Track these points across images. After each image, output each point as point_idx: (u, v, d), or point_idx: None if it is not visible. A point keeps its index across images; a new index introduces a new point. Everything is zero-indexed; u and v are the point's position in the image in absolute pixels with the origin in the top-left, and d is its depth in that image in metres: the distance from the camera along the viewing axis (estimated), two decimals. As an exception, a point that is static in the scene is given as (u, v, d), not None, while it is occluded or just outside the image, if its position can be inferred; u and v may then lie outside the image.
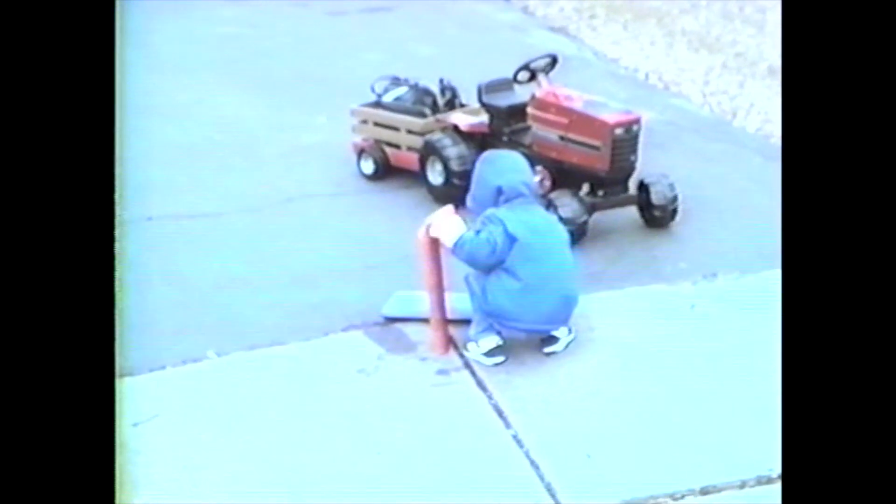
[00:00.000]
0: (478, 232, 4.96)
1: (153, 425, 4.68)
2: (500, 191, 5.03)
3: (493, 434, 4.56)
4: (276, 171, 7.01)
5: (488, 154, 5.40)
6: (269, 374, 5.04)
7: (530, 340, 5.08)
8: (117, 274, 5.98)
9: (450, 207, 5.22)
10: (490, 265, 4.96)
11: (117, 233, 6.51)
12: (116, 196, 6.94)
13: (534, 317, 4.98)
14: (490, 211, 5.04)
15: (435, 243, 5.09)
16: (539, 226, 5.05)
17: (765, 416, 4.33)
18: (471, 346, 5.14)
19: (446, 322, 5.23)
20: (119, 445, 4.49)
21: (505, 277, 4.96)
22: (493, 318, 5.04)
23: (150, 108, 8.79)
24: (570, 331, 5.20)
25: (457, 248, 4.98)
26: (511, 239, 4.90)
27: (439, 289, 5.18)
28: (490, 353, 5.08)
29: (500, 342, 5.09)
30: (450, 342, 5.24)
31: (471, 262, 5.01)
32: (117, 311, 5.54)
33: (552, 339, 5.15)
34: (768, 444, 4.08)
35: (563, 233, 5.22)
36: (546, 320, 5.05)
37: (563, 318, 5.11)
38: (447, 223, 5.07)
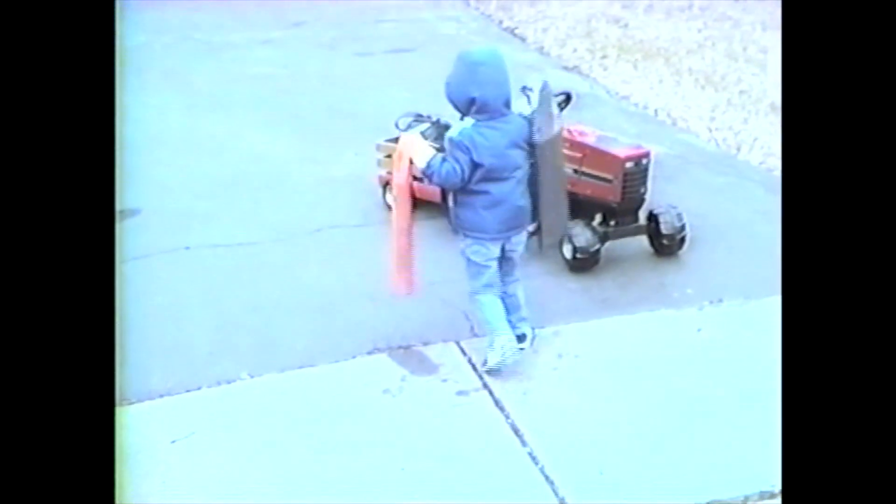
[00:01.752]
0: (444, 160, 4.99)
1: (189, 442, 4.69)
2: (473, 101, 5.00)
3: (510, 452, 4.57)
4: (307, 203, 7.03)
5: (471, 56, 5.20)
6: (298, 395, 5.06)
7: (543, 361, 5.08)
8: (157, 299, 6.04)
9: (418, 135, 5.31)
10: (459, 187, 5.04)
11: (156, 261, 6.58)
12: (157, 226, 7.05)
13: (496, 227, 5.12)
14: (459, 133, 5.01)
15: (410, 188, 5.18)
16: (503, 147, 5.00)
17: (767, 433, 4.31)
18: (491, 355, 5.19)
19: (410, 265, 5.30)
20: (158, 462, 4.55)
21: (471, 196, 5.08)
22: (462, 230, 5.22)
23: (189, 144, 8.85)
24: (532, 329, 5.41)
25: (428, 170, 5.03)
26: (476, 165, 4.95)
27: (409, 233, 5.25)
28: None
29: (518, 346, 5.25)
30: (412, 284, 5.32)
31: (441, 185, 5.13)
32: (157, 335, 5.63)
33: (522, 338, 5.32)
34: (770, 461, 4.06)
35: (524, 146, 5.12)
36: (506, 229, 5.17)
37: (518, 224, 5.22)
38: (418, 146, 5.13)
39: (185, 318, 5.85)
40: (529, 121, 5.07)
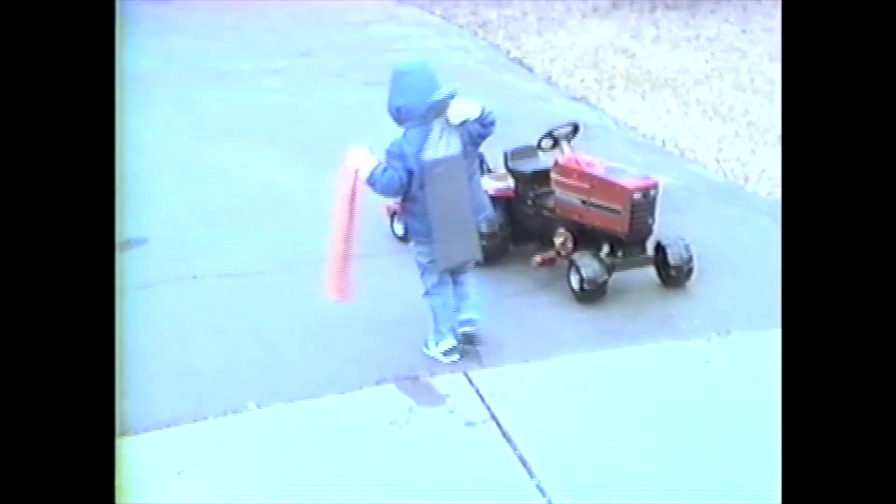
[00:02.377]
0: (385, 169, 5.31)
1: (196, 473, 4.69)
2: (399, 109, 5.32)
3: (517, 483, 4.56)
4: (314, 232, 6.99)
5: (399, 67, 5.50)
6: (306, 425, 5.06)
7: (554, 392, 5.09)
8: (164, 328, 6.05)
9: (364, 147, 5.48)
10: (400, 194, 5.44)
11: (163, 290, 6.59)
12: (164, 255, 7.06)
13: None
14: (392, 143, 5.35)
15: (353, 197, 5.45)
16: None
17: (776, 466, 4.30)
18: (430, 344, 5.59)
19: (347, 272, 5.57)
20: (164, 493, 4.55)
21: (414, 203, 5.43)
22: (412, 236, 5.61)
23: (196, 172, 8.88)
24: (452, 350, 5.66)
25: (371, 180, 5.34)
26: (410, 172, 5.29)
27: (347, 240, 5.54)
28: (447, 353, 5.60)
29: (455, 343, 5.63)
30: (346, 291, 5.55)
31: (383, 193, 5.51)
32: (164, 365, 5.63)
33: (470, 322, 5.74)
34: (778, 493, 4.05)
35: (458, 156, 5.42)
36: (411, 234, 5.57)
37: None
38: (362, 158, 5.40)
39: (191, 348, 5.86)
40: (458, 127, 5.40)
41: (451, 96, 5.36)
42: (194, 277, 6.77)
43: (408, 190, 5.37)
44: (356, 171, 5.39)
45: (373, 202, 7.48)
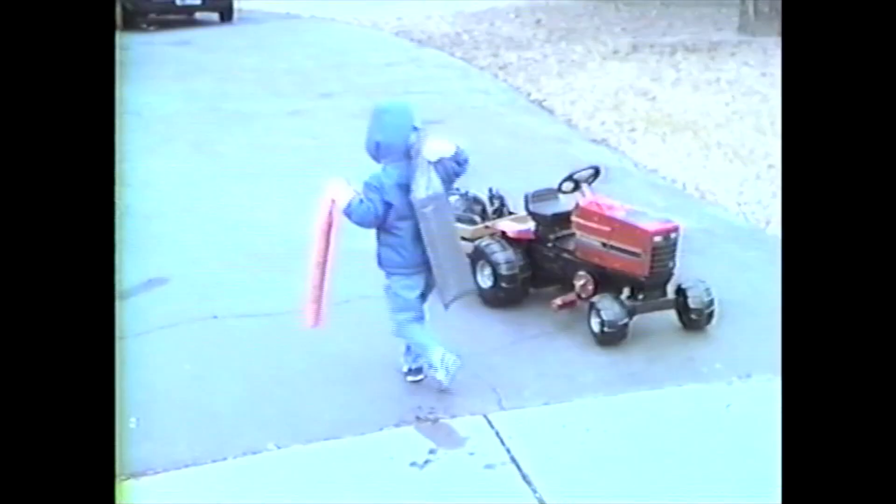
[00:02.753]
0: (361, 201, 5.51)
1: (216, 514, 4.70)
2: (378, 145, 5.56)
3: (537, 527, 4.55)
4: (336, 273, 7.02)
5: (379, 105, 5.76)
6: (325, 467, 5.06)
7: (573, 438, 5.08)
8: (184, 368, 6.07)
9: (342, 179, 5.68)
10: (375, 226, 5.60)
11: (184, 330, 6.62)
12: (185, 295, 7.09)
13: (415, 262, 5.62)
14: (370, 176, 5.57)
15: (329, 227, 5.65)
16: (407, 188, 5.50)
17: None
18: (437, 373, 5.69)
19: (320, 299, 5.74)
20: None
21: (389, 235, 5.63)
22: (385, 268, 5.75)
23: (218, 213, 8.93)
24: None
25: (347, 210, 5.54)
26: (387, 205, 5.50)
27: (322, 267, 5.72)
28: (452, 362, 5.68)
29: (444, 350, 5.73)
30: (319, 317, 5.77)
31: (359, 224, 5.61)
32: (184, 405, 5.65)
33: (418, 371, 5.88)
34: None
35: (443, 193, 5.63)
36: (424, 262, 5.62)
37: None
38: (340, 189, 5.59)
39: (211, 388, 5.88)
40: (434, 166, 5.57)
41: (426, 134, 5.60)
42: (215, 317, 6.80)
43: (384, 221, 5.57)
44: (333, 202, 5.59)
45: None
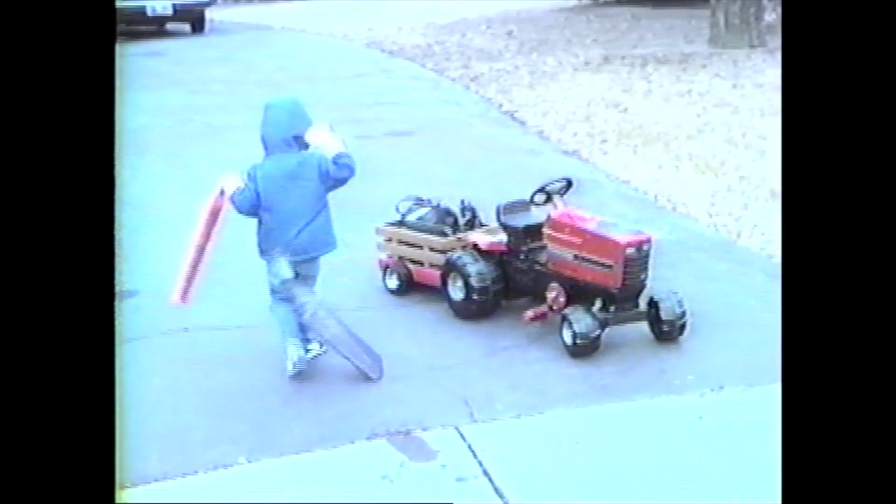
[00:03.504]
0: (242, 190, 5.97)
1: (186, 529, 4.67)
2: (262, 139, 6.05)
3: (509, 540, 4.54)
4: (210, 257, 7.02)
5: (269, 101, 6.21)
6: (296, 481, 5.04)
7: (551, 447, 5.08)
8: (155, 382, 6.04)
9: (236, 173, 6.09)
10: (252, 213, 6.03)
11: (154, 343, 6.59)
12: (155, 307, 7.06)
13: (280, 249, 5.98)
14: (251, 167, 6.02)
15: (215, 213, 6.09)
16: (278, 179, 5.94)
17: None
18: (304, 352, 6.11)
19: (193, 279, 6.13)
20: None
21: (261, 223, 6.07)
22: (261, 254, 6.13)
23: (188, 226, 8.87)
24: (321, 345, 6.21)
25: (231, 196, 6.00)
26: (257, 193, 5.94)
27: (201, 250, 6.11)
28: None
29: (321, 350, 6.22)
30: (188, 295, 6.14)
31: (238, 210, 6.03)
32: (154, 418, 5.62)
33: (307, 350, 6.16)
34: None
35: (308, 180, 6.00)
36: (289, 252, 5.99)
37: (302, 251, 6.05)
38: (231, 180, 6.04)
39: (182, 401, 5.85)
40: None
41: (308, 125, 6.07)
42: (185, 330, 6.78)
43: (258, 209, 6.00)
44: (222, 190, 6.04)
45: (365, 256, 7.52)
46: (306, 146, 6.03)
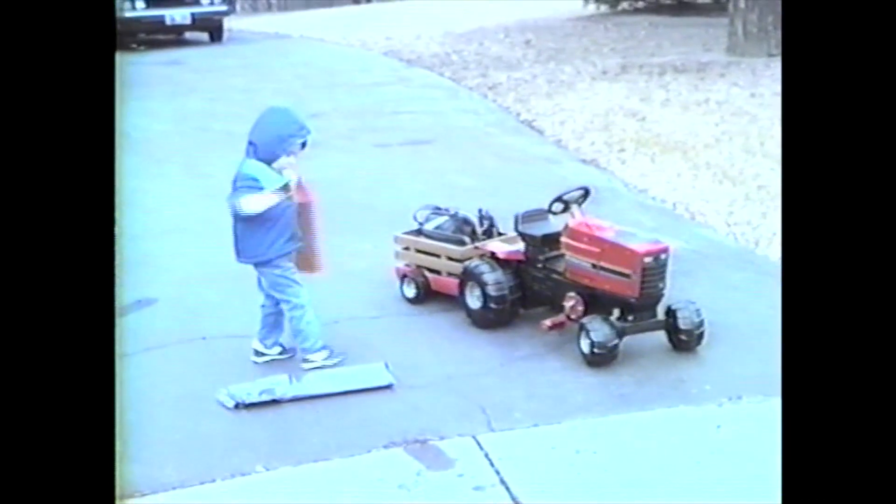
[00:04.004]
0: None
1: (204, 536, 4.69)
2: (249, 144, 6.16)
3: (527, 549, 4.54)
4: (323, 294, 7.05)
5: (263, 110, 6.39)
6: (314, 489, 5.04)
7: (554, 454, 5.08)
8: (173, 390, 6.06)
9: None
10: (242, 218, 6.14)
11: (173, 351, 6.61)
12: (174, 316, 7.09)
13: (261, 251, 6.20)
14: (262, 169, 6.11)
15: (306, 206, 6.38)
16: (263, 181, 6.03)
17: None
18: (309, 357, 6.29)
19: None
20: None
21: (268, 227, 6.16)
22: (238, 256, 6.36)
23: (207, 233, 8.92)
24: (331, 354, 6.35)
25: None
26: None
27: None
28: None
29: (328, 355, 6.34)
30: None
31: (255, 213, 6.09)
32: (172, 426, 5.63)
33: (308, 361, 6.32)
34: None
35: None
36: (275, 254, 6.20)
37: (247, 256, 6.31)
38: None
39: (200, 409, 5.86)
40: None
41: (299, 137, 6.21)
42: (203, 339, 6.80)
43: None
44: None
45: (383, 265, 7.53)
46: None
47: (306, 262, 6.47)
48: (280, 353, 6.48)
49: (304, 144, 6.19)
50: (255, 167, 6.07)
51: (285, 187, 6.03)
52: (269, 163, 6.09)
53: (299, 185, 6.22)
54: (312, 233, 6.49)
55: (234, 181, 6.10)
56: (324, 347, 6.33)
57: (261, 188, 6.01)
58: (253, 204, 5.99)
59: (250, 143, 6.14)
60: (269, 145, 6.09)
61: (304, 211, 6.38)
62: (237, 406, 5.81)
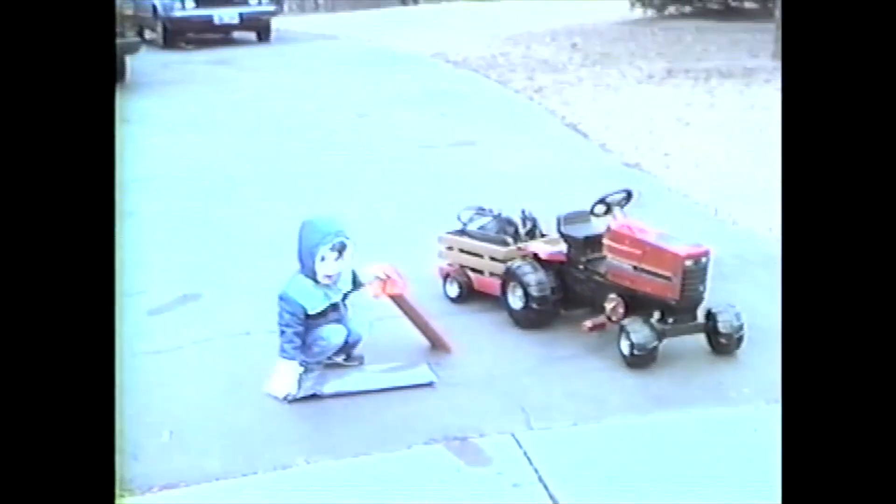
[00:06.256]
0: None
1: (246, 526, 4.75)
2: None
3: (563, 546, 4.57)
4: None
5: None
6: (354, 483, 5.10)
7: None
8: (217, 384, 6.14)
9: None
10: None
11: (217, 345, 6.69)
12: (217, 311, 7.17)
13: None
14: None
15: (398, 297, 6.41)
16: (302, 300, 6.03)
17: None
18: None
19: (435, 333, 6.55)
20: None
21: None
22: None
23: (253, 231, 9.01)
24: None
25: None
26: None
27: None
28: None
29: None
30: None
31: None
32: (216, 419, 5.70)
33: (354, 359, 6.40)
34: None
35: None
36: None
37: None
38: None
39: (243, 403, 5.93)
40: None
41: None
42: (248, 333, 6.87)
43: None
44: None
45: (426, 264, 7.58)
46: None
47: (434, 344, 6.57)
48: (345, 360, 6.42)
49: (341, 248, 6.03)
50: (298, 285, 6.07)
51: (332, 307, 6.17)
52: (313, 276, 6.04)
53: (389, 279, 6.26)
54: (418, 318, 6.52)
55: (279, 298, 6.06)
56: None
57: (300, 324, 6.04)
58: (279, 388, 5.96)
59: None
60: (303, 259, 6.06)
61: (399, 303, 6.42)
62: (285, 399, 5.88)
